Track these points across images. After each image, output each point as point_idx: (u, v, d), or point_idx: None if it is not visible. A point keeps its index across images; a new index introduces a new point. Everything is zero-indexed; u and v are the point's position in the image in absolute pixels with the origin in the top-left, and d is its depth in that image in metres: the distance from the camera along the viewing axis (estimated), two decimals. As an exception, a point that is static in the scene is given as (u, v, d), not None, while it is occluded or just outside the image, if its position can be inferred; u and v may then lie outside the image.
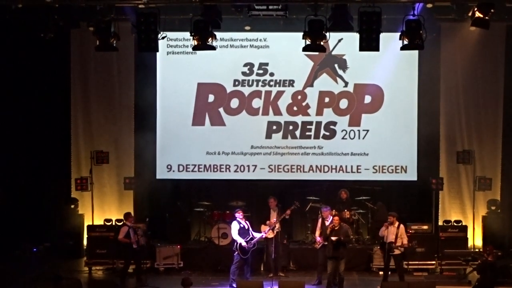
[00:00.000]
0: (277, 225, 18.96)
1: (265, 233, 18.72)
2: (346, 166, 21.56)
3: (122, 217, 19.17)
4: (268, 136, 21.72)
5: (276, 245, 18.91)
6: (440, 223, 20.84)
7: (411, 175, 21.48)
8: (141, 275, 18.57)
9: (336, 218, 17.91)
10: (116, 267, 19.58)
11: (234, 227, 18.43)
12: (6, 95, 21.09)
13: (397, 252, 17.94)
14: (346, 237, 17.62)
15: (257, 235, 18.52)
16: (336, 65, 21.52)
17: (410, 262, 19.20)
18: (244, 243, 18.22)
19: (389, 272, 18.03)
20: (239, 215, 18.54)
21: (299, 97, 21.65)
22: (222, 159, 21.69)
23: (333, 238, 17.51)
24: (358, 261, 19.77)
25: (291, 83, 21.64)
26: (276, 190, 20.58)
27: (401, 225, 18.07)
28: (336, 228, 17.60)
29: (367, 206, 20.84)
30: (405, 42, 16.94)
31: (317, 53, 19.27)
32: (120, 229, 18.75)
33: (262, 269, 19.72)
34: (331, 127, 21.64)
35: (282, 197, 19.92)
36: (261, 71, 21.65)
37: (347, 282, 18.13)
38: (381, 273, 18.78)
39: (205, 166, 21.68)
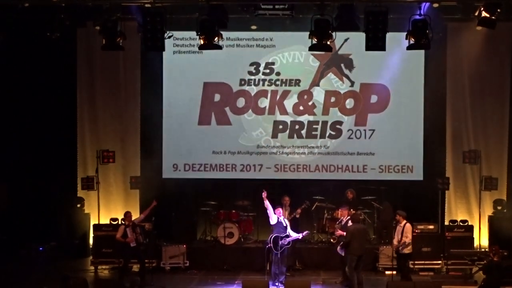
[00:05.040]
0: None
1: (303, 235, 18.53)
2: (352, 166, 21.56)
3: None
4: (274, 135, 21.73)
5: (284, 244, 18.94)
6: (446, 223, 20.81)
7: (417, 175, 21.47)
8: (145, 274, 18.41)
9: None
10: (121, 266, 19.58)
11: (274, 218, 18.23)
12: (12, 94, 21.12)
13: (405, 251, 17.90)
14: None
15: (294, 235, 18.25)
16: (342, 65, 21.53)
17: (416, 262, 19.22)
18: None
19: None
20: (279, 212, 18.39)
21: (305, 96, 21.65)
22: (228, 159, 21.69)
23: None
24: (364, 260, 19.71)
25: (297, 82, 21.64)
26: (282, 189, 20.59)
27: (407, 224, 18.01)
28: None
29: (373, 205, 20.82)
30: (412, 41, 16.94)
31: (323, 52, 19.24)
32: (118, 228, 18.75)
33: (268, 268, 19.70)
34: (337, 126, 21.63)
35: (289, 196, 19.88)
36: (267, 71, 21.66)
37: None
38: (387, 272, 18.81)
39: (211, 165, 21.67)
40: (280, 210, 18.46)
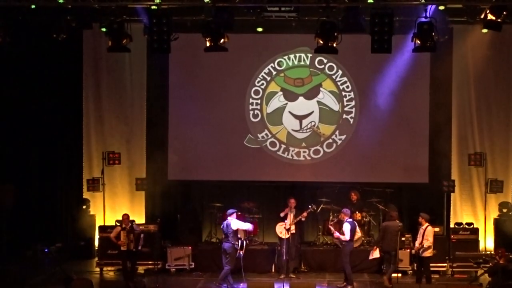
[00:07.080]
0: (292, 227, 18.98)
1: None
2: (358, 168, 21.51)
3: (133, 218, 19.14)
4: (280, 137, 21.71)
5: (289, 246, 18.93)
6: (452, 225, 20.78)
7: (423, 177, 21.42)
8: (134, 276, 18.46)
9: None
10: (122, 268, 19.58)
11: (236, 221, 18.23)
12: (19, 96, 21.13)
13: (425, 254, 17.93)
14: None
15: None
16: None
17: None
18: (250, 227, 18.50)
19: (424, 275, 18.06)
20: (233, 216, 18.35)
21: (311, 98, 21.64)
22: (234, 161, 21.68)
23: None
24: (369, 262, 19.65)
25: (303, 84, 21.62)
26: (288, 191, 20.58)
27: (429, 227, 17.98)
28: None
29: (379, 208, 20.78)
30: (417, 44, 16.95)
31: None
32: (114, 228, 18.78)
33: (273, 270, 19.71)
34: (343, 128, 21.61)
35: (294, 198, 19.85)
36: (273, 73, 21.66)
37: (359, 284, 18.25)
38: (393, 275, 18.82)
39: (216, 167, 21.63)
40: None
